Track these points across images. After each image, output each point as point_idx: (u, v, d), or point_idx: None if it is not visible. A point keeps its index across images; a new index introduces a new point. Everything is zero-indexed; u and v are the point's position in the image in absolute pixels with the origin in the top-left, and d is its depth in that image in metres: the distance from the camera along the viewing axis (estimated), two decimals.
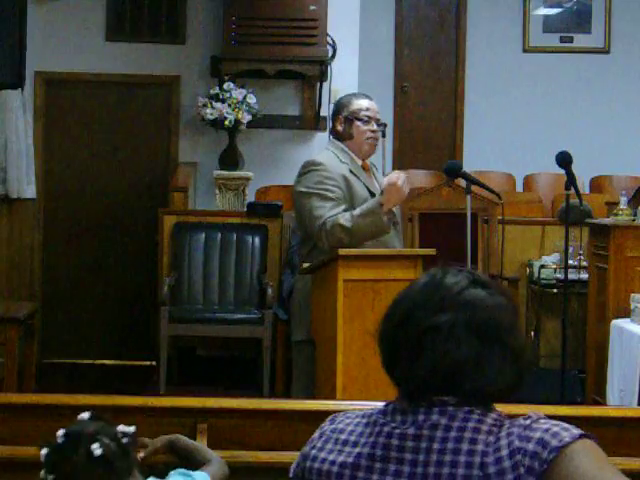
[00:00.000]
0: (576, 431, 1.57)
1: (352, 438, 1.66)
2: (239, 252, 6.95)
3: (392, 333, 1.66)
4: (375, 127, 4.27)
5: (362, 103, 4.29)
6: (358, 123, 4.25)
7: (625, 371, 5.19)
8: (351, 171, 4.21)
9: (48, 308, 7.60)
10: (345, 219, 4.03)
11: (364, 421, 1.67)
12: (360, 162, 4.28)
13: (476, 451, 1.56)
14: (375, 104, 4.35)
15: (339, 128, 4.30)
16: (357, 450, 1.64)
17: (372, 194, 4.18)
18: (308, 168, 4.19)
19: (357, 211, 4.05)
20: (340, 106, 4.34)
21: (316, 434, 1.73)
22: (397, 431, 1.62)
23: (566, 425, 1.59)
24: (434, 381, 1.60)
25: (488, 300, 1.63)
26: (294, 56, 7.23)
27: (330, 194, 4.11)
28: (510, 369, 1.61)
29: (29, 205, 7.57)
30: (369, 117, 4.27)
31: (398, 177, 4.01)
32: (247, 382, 6.70)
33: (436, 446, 1.57)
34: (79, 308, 7.71)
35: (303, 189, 4.17)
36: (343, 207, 4.10)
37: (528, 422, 1.59)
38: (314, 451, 1.70)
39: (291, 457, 2.53)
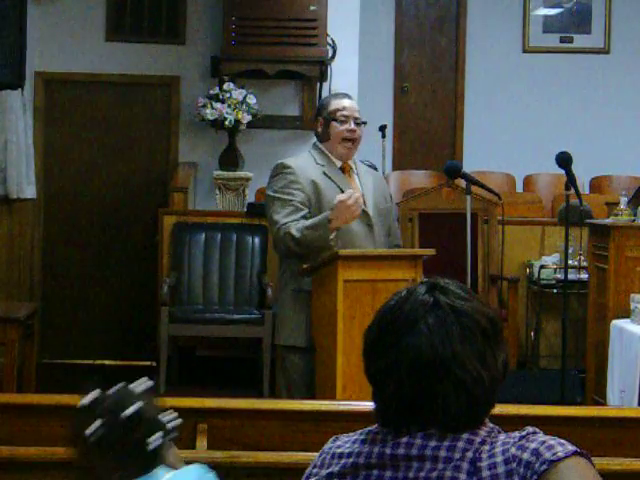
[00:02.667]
0: (571, 447, 1.56)
1: (347, 451, 1.67)
2: (239, 252, 6.95)
3: (364, 366, 1.70)
4: (352, 126, 4.23)
5: (339, 103, 4.27)
6: (335, 124, 4.23)
7: (625, 371, 5.19)
8: (325, 173, 4.20)
9: (48, 308, 7.59)
10: (296, 229, 4.05)
11: (362, 437, 1.68)
12: (339, 164, 4.26)
13: (466, 457, 1.56)
14: (354, 103, 4.32)
15: (319, 130, 4.31)
16: (351, 460, 1.65)
17: None
18: (277, 171, 4.22)
19: (307, 222, 4.06)
20: (320, 108, 4.36)
21: (317, 455, 1.75)
22: (391, 441, 1.63)
23: (563, 441, 1.58)
24: (395, 414, 1.62)
25: (438, 331, 1.60)
26: (294, 56, 7.23)
27: (291, 199, 4.12)
28: (466, 400, 1.59)
29: (29, 205, 7.57)
30: (346, 116, 4.24)
31: (350, 196, 3.99)
32: (247, 382, 6.70)
33: (428, 452, 1.59)
34: (79, 308, 7.71)
35: (270, 192, 4.22)
36: (303, 213, 4.10)
37: (524, 433, 1.60)
38: (315, 469, 1.71)
39: (290, 457, 2.54)
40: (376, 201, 4.29)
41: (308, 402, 2.80)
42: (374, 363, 1.66)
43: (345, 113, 4.24)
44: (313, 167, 4.22)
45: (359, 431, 1.71)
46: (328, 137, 4.26)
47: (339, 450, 1.68)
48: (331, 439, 1.75)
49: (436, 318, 1.61)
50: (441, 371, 1.58)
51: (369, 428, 1.69)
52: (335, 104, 4.27)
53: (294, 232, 4.04)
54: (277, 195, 4.16)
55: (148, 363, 7.30)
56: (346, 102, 4.28)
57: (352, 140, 4.25)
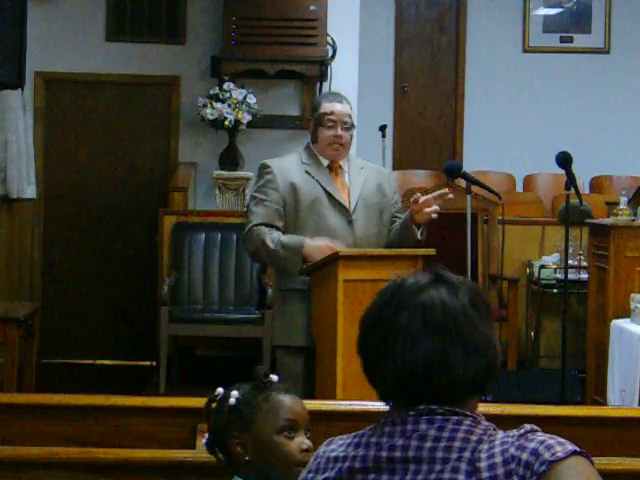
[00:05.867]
0: (571, 447, 1.55)
1: (342, 455, 1.66)
2: (239, 252, 6.94)
3: (362, 341, 1.71)
4: (339, 132, 4.16)
5: (328, 107, 4.18)
6: (321, 128, 4.18)
7: (625, 371, 5.19)
8: (307, 172, 4.18)
9: (48, 308, 7.59)
10: (271, 239, 4.09)
11: (355, 441, 1.67)
12: (326, 163, 4.23)
13: (464, 457, 1.56)
14: (346, 107, 4.22)
15: (310, 130, 4.28)
16: (346, 464, 1.64)
17: (328, 194, 4.15)
18: (259, 171, 4.26)
19: (285, 238, 4.09)
20: (312, 108, 4.34)
21: (311, 459, 1.74)
22: (386, 444, 1.61)
23: (562, 440, 1.57)
24: (402, 383, 1.62)
25: (445, 298, 1.62)
26: (294, 56, 7.23)
27: (265, 198, 4.16)
28: (476, 361, 1.60)
29: (29, 205, 7.57)
30: (333, 121, 4.16)
31: (333, 248, 4.01)
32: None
33: (425, 454, 1.58)
34: (79, 308, 7.71)
35: (252, 191, 4.30)
36: (274, 212, 4.13)
37: (522, 432, 1.59)
38: (310, 474, 1.69)
39: None
40: (364, 197, 4.25)
41: (308, 402, 2.79)
42: (380, 327, 1.65)
43: (333, 118, 4.16)
44: (296, 167, 4.19)
45: (353, 434, 1.69)
46: (316, 140, 4.23)
47: (334, 454, 1.67)
48: (325, 442, 1.74)
49: (445, 285, 1.64)
50: (453, 331, 1.60)
51: (363, 430, 1.68)
52: (325, 107, 4.19)
53: (269, 242, 4.08)
54: (255, 194, 4.21)
55: (148, 363, 7.30)
56: (336, 106, 4.19)
57: (340, 144, 4.22)
